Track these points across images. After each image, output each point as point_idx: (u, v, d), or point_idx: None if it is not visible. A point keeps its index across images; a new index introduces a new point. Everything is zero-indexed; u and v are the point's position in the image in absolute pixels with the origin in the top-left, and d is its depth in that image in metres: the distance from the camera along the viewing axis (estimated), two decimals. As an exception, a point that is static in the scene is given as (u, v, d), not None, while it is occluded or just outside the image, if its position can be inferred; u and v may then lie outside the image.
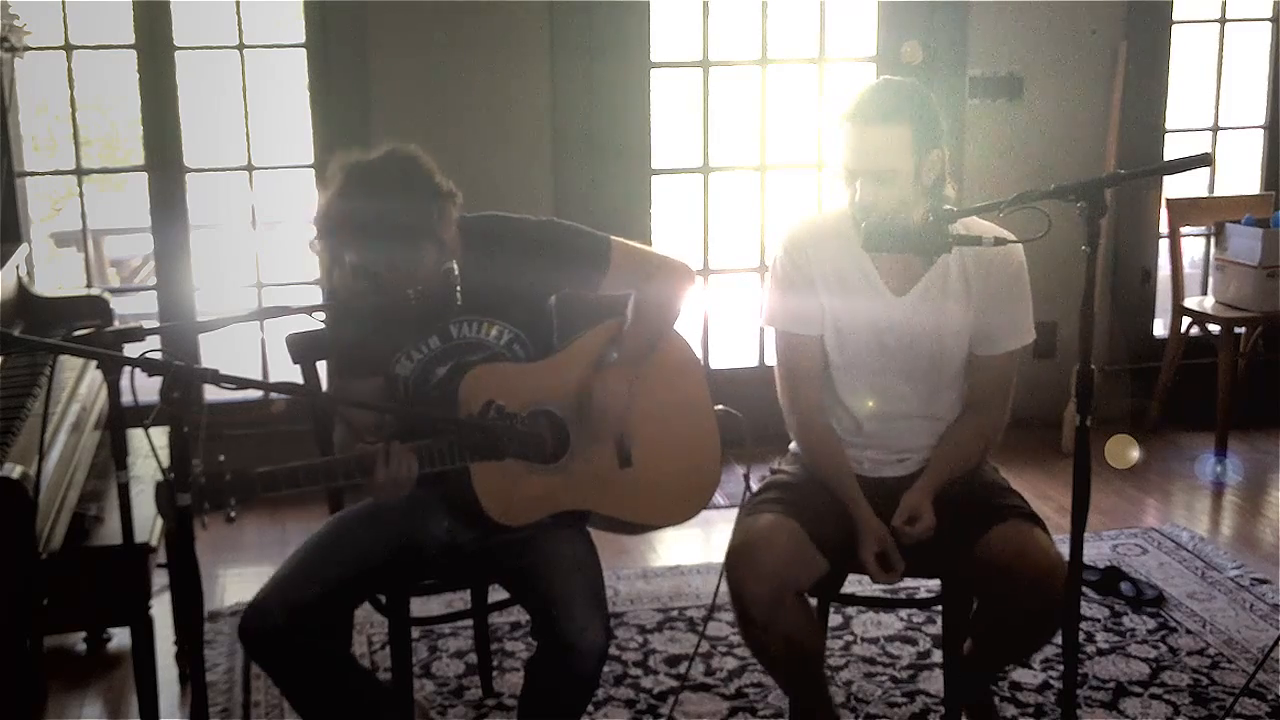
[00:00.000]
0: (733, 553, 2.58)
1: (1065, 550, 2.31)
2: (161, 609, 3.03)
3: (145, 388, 2.21)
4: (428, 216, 2.49)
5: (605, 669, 2.54)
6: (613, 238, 2.69)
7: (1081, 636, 3.27)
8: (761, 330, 4.87)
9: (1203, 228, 5.14)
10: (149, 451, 2.53)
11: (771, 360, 2.86)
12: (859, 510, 2.66)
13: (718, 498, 2.78)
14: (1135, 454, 4.69)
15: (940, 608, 2.87)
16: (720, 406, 2.75)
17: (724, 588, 2.61)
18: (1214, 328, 4.82)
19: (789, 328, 2.75)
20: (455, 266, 2.43)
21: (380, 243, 2.46)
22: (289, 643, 2.45)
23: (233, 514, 2.27)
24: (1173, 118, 5.06)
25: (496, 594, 2.93)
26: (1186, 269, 5.07)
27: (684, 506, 2.72)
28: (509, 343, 2.64)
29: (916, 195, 2.58)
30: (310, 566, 2.54)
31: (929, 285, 2.68)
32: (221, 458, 2.27)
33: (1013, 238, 2.58)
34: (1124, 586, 3.63)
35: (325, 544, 2.61)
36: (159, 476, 2.10)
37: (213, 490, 2.24)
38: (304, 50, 4.48)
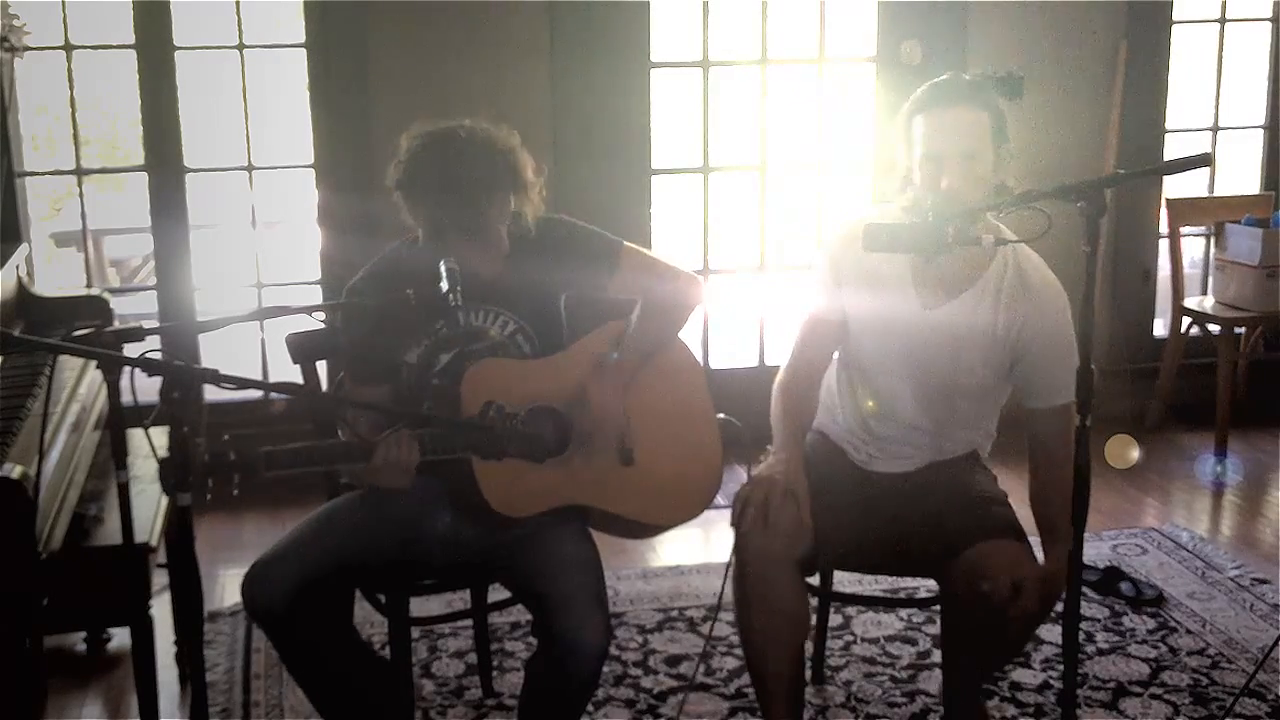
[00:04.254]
0: (745, 509, 2.54)
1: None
2: (161, 609, 3.03)
3: (145, 388, 2.21)
4: (505, 188, 2.56)
5: (605, 669, 2.54)
6: (625, 242, 2.72)
7: (1081, 636, 3.27)
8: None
9: (1203, 228, 5.15)
10: (149, 451, 2.53)
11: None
12: (792, 457, 2.61)
13: (718, 498, 2.78)
14: (1135, 454, 4.69)
15: (940, 608, 2.87)
16: (722, 415, 2.76)
17: (725, 587, 2.61)
18: (1214, 328, 4.82)
19: (814, 309, 2.78)
20: (456, 264, 2.44)
21: (460, 186, 2.51)
22: (292, 607, 2.47)
23: (235, 491, 2.28)
24: (1173, 118, 5.05)
25: (496, 594, 2.94)
26: (1186, 269, 5.07)
27: (685, 507, 2.72)
28: (513, 333, 2.66)
29: (990, 190, 2.57)
30: (316, 536, 2.58)
31: (962, 304, 2.66)
32: (226, 437, 2.28)
33: (1012, 237, 2.57)
34: (1124, 586, 3.64)
35: (332, 518, 2.65)
36: (163, 457, 2.10)
37: (217, 467, 2.26)
38: (304, 50, 4.48)
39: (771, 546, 2.55)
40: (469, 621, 3.19)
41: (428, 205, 2.53)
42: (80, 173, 4.72)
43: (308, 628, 2.51)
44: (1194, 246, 5.49)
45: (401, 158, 2.55)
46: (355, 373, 2.71)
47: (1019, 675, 3.19)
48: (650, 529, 2.79)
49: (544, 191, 2.64)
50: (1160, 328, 5.20)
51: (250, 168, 4.56)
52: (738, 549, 2.59)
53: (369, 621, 3.31)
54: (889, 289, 2.69)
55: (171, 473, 2.07)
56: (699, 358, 2.86)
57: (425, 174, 2.52)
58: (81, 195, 4.74)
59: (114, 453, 2.08)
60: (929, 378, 2.70)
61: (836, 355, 2.82)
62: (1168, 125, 5.04)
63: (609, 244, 2.71)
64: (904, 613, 3.53)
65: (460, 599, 3.42)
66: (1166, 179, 4.86)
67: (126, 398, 2.16)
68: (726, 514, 2.70)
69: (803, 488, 2.58)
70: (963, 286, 2.66)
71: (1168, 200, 4.98)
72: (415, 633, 2.97)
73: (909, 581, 3.58)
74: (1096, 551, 3.88)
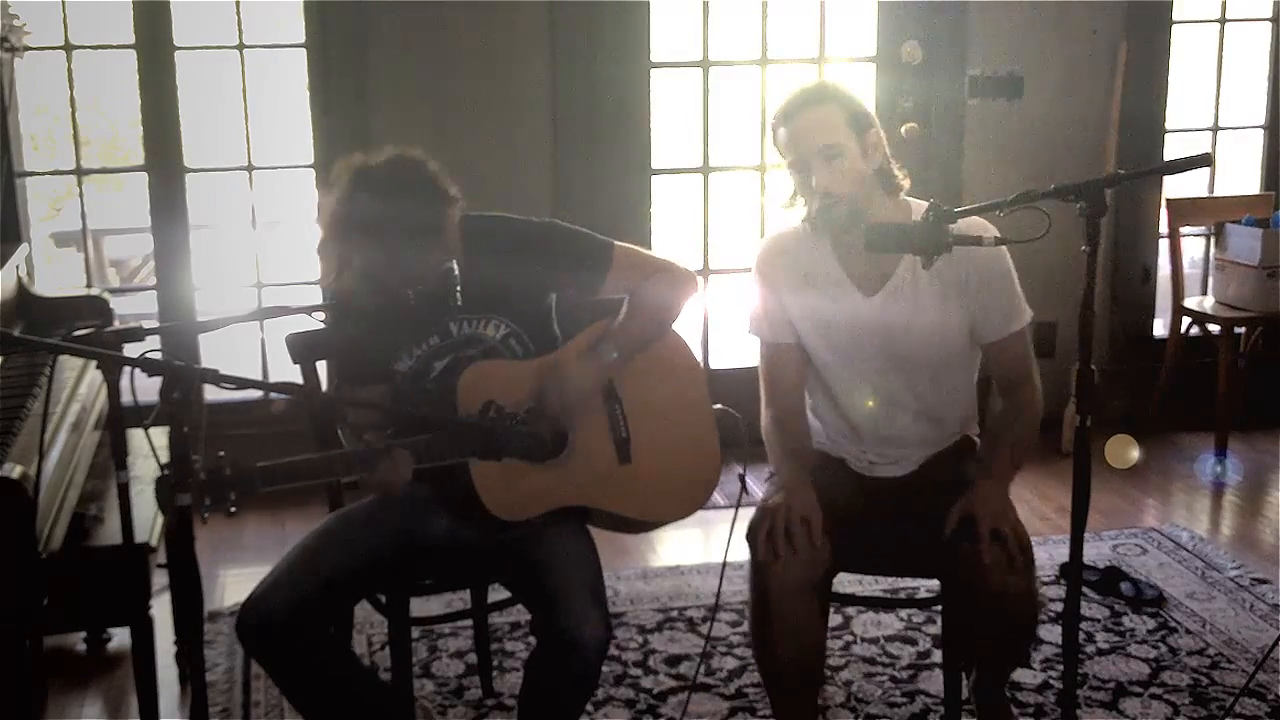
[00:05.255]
0: (766, 538, 2.55)
1: (1065, 550, 2.31)
2: (161, 609, 3.02)
3: (145, 388, 2.21)
4: (432, 219, 2.50)
5: (605, 669, 2.54)
6: (616, 242, 2.71)
7: (1081, 636, 3.27)
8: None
9: (1203, 228, 5.15)
10: (149, 451, 2.52)
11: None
12: (800, 484, 2.63)
13: (717, 497, 2.78)
14: (1135, 454, 4.69)
15: (940, 608, 2.87)
16: (719, 406, 2.76)
17: (724, 588, 2.60)
18: (1214, 328, 4.82)
19: (766, 337, 2.81)
20: (455, 266, 2.43)
21: (386, 245, 2.47)
22: (288, 639, 2.45)
23: (233, 509, 2.27)
24: (1173, 118, 5.06)
25: (496, 594, 2.94)
26: (1186, 269, 5.07)
27: (683, 503, 2.72)
28: (505, 338, 2.66)
29: (868, 176, 2.65)
30: (309, 562, 2.55)
31: (899, 284, 2.69)
32: (221, 453, 2.27)
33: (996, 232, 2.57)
34: (1124, 586, 3.63)
35: (325, 540, 2.62)
36: (159, 473, 2.09)
37: (213, 485, 2.24)
38: (304, 50, 4.48)
39: (791, 577, 2.54)
40: (469, 621, 3.19)
41: (356, 256, 2.50)
42: (80, 173, 4.73)
43: (307, 654, 2.48)
44: (1194, 246, 5.49)
45: (331, 207, 2.50)
46: (346, 373, 2.71)
47: (1019, 675, 3.18)
48: (650, 525, 2.79)
49: (460, 213, 2.58)
50: (1160, 328, 5.20)
51: (250, 168, 4.56)
52: (756, 581, 2.58)
53: (369, 621, 3.32)
54: (825, 288, 2.72)
55: (167, 489, 2.06)
56: (698, 356, 2.85)
57: (350, 226, 2.47)
58: (81, 195, 4.74)
59: (114, 453, 2.08)
60: (904, 358, 2.73)
61: (810, 380, 2.83)
62: (1168, 125, 5.04)
63: (600, 246, 2.69)
64: (904, 613, 3.53)
65: (460, 599, 3.42)
66: (1166, 179, 4.86)
67: (126, 398, 2.16)
68: (726, 513, 2.70)
69: (815, 512, 2.58)
70: (893, 265, 2.69)
71: (1168, 200, 4.98)
72: (415, 633, 2.96)
73: (909, 581, 3.58)
74: (1096, 551, 3.88)
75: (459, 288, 2.42)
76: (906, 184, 2.72)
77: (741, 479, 2.68)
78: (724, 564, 2.64)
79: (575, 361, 2.62)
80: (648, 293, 2.70)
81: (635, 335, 2.69)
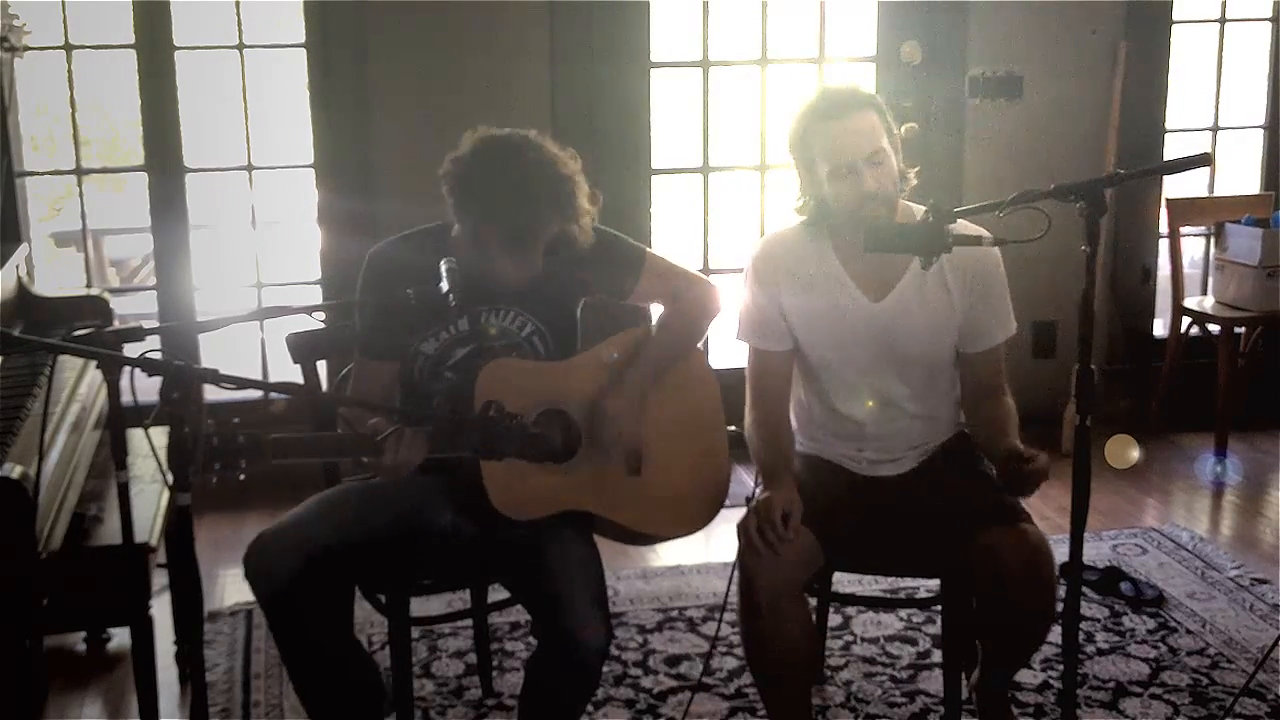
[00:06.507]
0: (748, 534, 2.55)
1: (1065, 550, 2.31)
2: (161, 609, 3.03)
3: (145, 388, 2.21)
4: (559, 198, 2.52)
5: (605, 669, 2.54)
6: (649, 250, 2.72)
7: (1081, 636, 3.27)
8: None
9: (1203, 228, 5.15)
10: (149, 451, 2.53)
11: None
12: (782, 480, 2.63)
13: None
14: (1135, 454, 4.69)
15: (940, 608, 2.87)
16: (733, 428, 2.76)
17: (730, 588, 2.61)
18: (1214, 328, 4.82)
19: (756, 344, 2.80)
20: (443, 266, 2.44)
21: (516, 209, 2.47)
22: (293, 584, 2.46)
23: (242, 475, 2.28)
24: (1173, 118, 5.06)
25: (496, 594, 2.94)
26: (1186, 269, 5.07)
27: (689, 519, 2.72)
28: (530, 335, 2.66)
29: (899, 177, 2.66)
30: (318, 515, 2.57)
31: (905, 289, 2.70)
32: (236, 419, 2.27)
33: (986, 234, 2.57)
34: (1124, 586, 3.64)
35: (334, 500, 2.65)
36: (173, 454, 2.08)
37: (224, 451, 2.25)
38: (304, 50, 4.48)
39: (778, 576, 2.54)
40: (469, 621, 3.19)
41: (478, 211, 2.49)
42: (80, 173, 4.72)
43: (308, 608, 2.50)
44: (1194, 246, 5.49)
45: (462, 155, 2.49)
46: (367, 347, 2.70)
47: (1019, 675, 3.18)
48: (652, 539, 2.79)
49: (595, 219, 2.60)
50: (1160, 328, 5.20)
51: (250, 168, 4.56)
52: (744, 580, 2.57)
53: (369, 621, 3.32)
54: (831, 290, 2.72)
55: (176, 458, 2.07)
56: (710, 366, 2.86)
57: (486, 179, 2.47)
58: (81, 195, 4.74)
59: (114, 453, 2.08)
60: (907, 362, 2.73)
61: (804, 382, 2.83)
62: (1168, 125, 5.05)
63: (634, 251, 2.71)
64: (904, 613, 3.53)
65: (460, 599, 3.42)
66: (1166, 179, 4.87)
67: (126, 398, 2.16)
68: (727, 514, 2.70)
69: (796, 505, 2.58)
70: (900, 270, 2.69)
71: (1168, 200, 4.98)
72: (415, 633, 2.97)
73: (909, 581, 3.58)
74: (1096, 551, 3.88)
75: (459, 288, 2.42)
76: (915, 182, 2.73)
77: (749, 500, 2.68)
78: (734, 566, 2.63)
79: (617, 401, 2.62)
80: (678, 312, 2.73)
81: (664, 355, 2.71)
